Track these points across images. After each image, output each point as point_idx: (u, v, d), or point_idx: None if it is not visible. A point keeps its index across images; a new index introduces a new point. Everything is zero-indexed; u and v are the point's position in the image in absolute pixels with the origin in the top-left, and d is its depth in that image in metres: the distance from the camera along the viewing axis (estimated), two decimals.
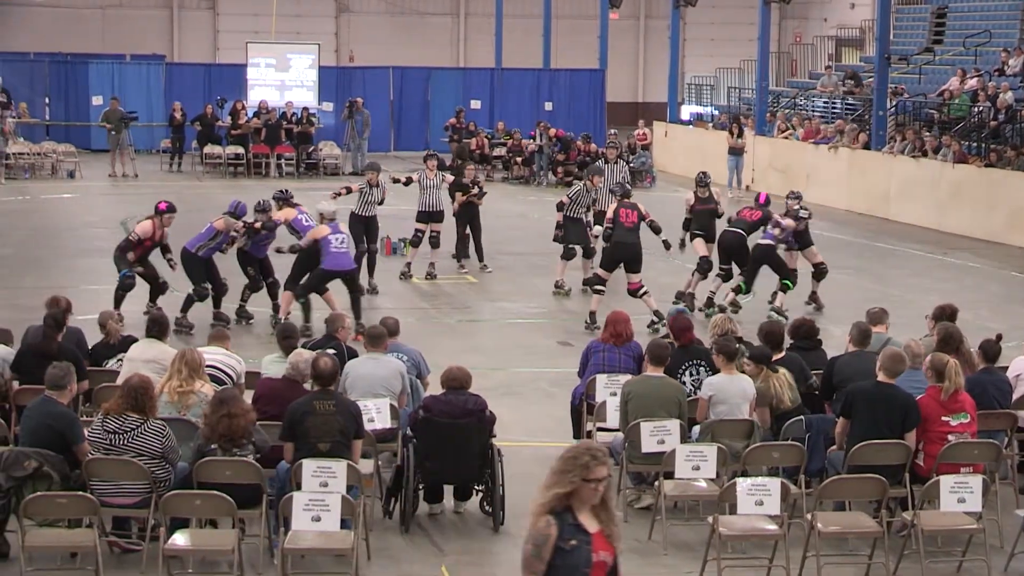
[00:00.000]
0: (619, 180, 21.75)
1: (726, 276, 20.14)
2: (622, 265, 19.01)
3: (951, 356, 11.69)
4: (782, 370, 12.13)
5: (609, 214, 19.26)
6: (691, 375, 12.75)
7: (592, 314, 18.90)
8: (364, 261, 20.88)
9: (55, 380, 10.70)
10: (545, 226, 28.07)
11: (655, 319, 18.66)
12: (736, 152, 36.02)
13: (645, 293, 18.99)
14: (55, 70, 43.55)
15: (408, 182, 22.39)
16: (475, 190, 23.40)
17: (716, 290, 20.19)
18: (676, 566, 10.83)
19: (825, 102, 39.74)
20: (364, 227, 21.06)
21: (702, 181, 20.69)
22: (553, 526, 6.17)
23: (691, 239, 20.72)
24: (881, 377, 11.25)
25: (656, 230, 19.05)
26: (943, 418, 11.11)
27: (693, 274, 20.46)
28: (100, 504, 10.07)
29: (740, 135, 36.07)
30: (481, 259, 23.53)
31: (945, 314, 13.83)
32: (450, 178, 23.11)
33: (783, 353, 12.63)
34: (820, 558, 10.34)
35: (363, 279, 20.35)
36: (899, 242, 27.56)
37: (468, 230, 23.48)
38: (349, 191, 21.07)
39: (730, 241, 19.99)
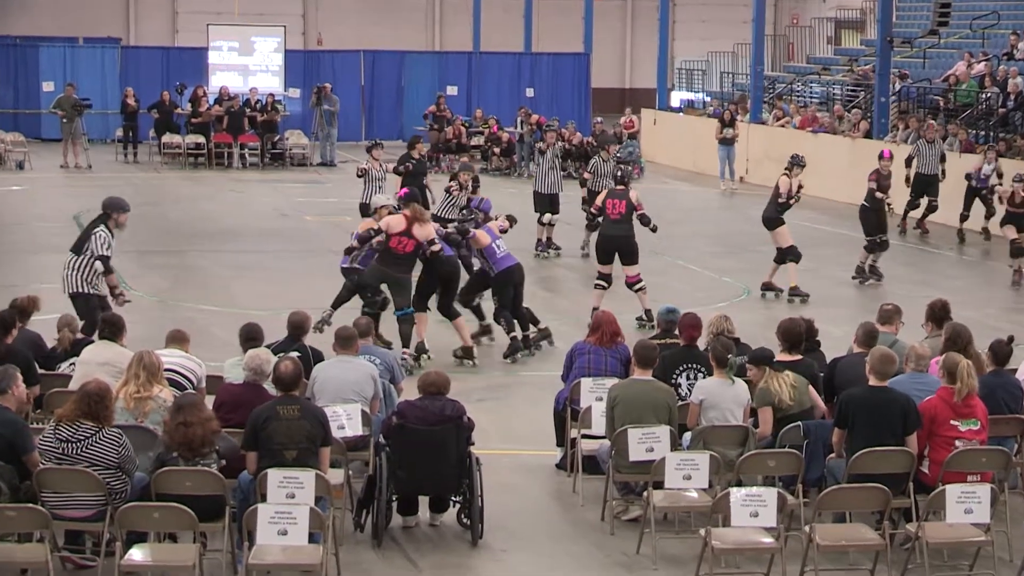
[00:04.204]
0: (618, 166, 22.04)
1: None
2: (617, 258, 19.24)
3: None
4: (787, 371, 12.08)
5: (598, 202, 19.67)
6: (688, 378, 12.76)
7: (594, 310, 18.95)
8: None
9: None
10: (528, 221, 28.12)
11: (644, 317, 18.83)
12: (727, 142, 35.97)
13: (640, 288, 19.13)
14: (3, 54, 43.48)
15: (363, 173, 22.47)
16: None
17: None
18: None
19: (823, 88, 39.85)
20: None
21: (799, 162, 21.64)
22: None
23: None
24: (872, 381, 11.26)
25: (644, 222, 19.22)
26: (952, 422, 11.13)
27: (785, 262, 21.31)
28: (52, 517, 10.04)
29: (731, 124, 35.97)
30: None
31: (936, 311, 13.87)
32: (389, 166, 23.10)
33: (798, 357, 12.48)
34: (819, 573, 10.37)
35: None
36: (902, 237, 27.61)
37: None
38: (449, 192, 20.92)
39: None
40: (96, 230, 15.84)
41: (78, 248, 15.84)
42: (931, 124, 28.18)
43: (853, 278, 22.67)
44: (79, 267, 15.71)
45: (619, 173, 20.23)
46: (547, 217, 24.63)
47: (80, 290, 15.70)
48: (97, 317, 15.19)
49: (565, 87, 46.27)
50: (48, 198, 31.36)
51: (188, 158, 38.00)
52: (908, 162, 27.84)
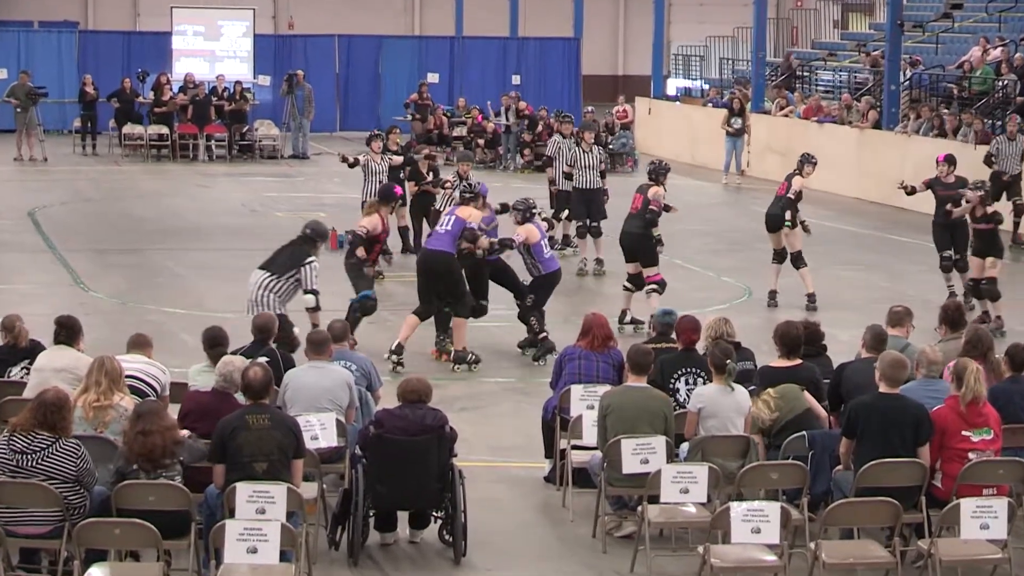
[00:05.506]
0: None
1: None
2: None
3: (978, 361, 11.75)
4: (767, 390, 12.09)
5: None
6: (687, 383, 12.76)
7: (623, 312, 19.14)
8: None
9: None
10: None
11: (621, 318, 18.90)
12: (736, 134, 35.84)
13: (653, 290, 19.07)
14: None
15: (355, 164, 22.50)
16: (430, 177, 23.40)
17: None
18: None
19: (831, 75, 39.88)
20: None
21: (811, 159, 21.29)
22: None
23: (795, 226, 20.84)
24: (883, 387, 11.28)
25: (648, 222, 19.09)
26: (963, 432, 11.15)
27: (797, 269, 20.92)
28: (5, 534, 10.05)
29: (740, 114, 35.82)
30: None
31: (951, 313, 13.91)
32: (397, 160, 23.10)
33: (797, 362, 12.51)
34: None
35: None
36: (915, 234, 27.56)
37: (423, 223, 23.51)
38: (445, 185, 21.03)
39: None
40: (310, 261, 15.72)
41: (279, 270, 15.66)
42: (1013, 117, 27.58)
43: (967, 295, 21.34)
44: (279, 291, 15.58)
45: (650, 168, 20.05)
46: (564, 213, 24.63)
47: (275, 312, 15.37)
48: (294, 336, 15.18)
49: (554, 74, 46.26)
50: (1, 193, 31.28)
51: (151, 150, 37.93)
52: (988, 161, 26.81)
